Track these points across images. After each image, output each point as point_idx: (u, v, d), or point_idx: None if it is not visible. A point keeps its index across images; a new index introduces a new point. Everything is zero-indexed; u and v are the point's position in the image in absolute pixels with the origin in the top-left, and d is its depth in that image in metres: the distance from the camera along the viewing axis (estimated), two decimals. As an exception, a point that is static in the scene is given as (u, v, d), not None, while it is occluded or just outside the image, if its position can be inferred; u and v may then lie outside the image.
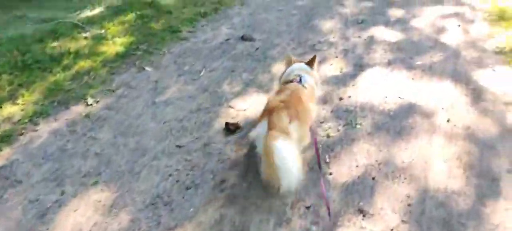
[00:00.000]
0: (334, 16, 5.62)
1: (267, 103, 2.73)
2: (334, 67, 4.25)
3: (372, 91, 3.79)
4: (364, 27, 5.22)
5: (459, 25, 5.19)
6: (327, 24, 5.36)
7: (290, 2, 6.29)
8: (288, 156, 2.36)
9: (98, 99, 3.79)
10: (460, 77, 3.97)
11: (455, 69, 4.13)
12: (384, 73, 4.10)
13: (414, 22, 5.32)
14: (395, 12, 5.66)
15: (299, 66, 3.09)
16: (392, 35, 4.96)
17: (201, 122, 3.43)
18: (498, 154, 2.98)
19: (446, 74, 4.04)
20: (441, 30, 5.08)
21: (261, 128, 2.57)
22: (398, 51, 4.55)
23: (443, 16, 5.51)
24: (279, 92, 2.85)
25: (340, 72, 4.16)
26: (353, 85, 3.90)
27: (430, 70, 4.13)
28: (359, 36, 4.96)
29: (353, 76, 4.06)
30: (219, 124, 3.40)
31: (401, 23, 5.29)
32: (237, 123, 3.36)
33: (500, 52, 4.44)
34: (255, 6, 6.20)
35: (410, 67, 4.20)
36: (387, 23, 5.31)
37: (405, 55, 4.46)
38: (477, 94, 3.70)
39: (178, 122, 3.45)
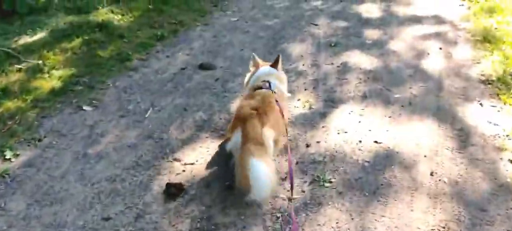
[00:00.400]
0: (305, 39, 5.10)
1: (239, 109, 2.84)
2: (301, 103, 3.71)
3: (344, 134, 3.26)
4: (338, 51, 4.70)
5: (440, 48, 4.72)
6: (297, 48, 4.83)
7: (258, 22, 5.76)
8: (262, 173, 2.45)
9: (18, 153, 3.16)
10: (444, 115, 3.48)
11: (438, 104, 3.63)
12: (358, 110, 3.57)
13: (392, 45, 4.84)
14: (371, 33, 5.17)
15: (267, 71, 3.18)
16: (367, 61, 4.45)
17: (137, 183, 2.82)
18: (492, 220, 2.47)
19: (428, 110, 3.54)
20: (421, 54, 4.60)
21: (236, 137, 2.66)
22: (374, 81, 4.04)
23: (423, 37, 5.05)
24: (249, 97, 2.95)
25: (309, 109, 3.62)
26: (323, 127, 3.36)
27: (410, 105, 3.62)
28: (332, 63, 4.44)
29: (323, 115, 3.52)
30: (159, 184, 2.80)
31: (378, 47, 4.79)
32: (181, 183, 2.77)
33: (486, 81, 3.97)
34: (219, 27, 5.64)
35: (388, 102, 3.69)
36: (363, 46, 4.81)
37: (382, 86, 3.95)
38: (464, 137, 3.20)
39: (110, 182, 2.84)
